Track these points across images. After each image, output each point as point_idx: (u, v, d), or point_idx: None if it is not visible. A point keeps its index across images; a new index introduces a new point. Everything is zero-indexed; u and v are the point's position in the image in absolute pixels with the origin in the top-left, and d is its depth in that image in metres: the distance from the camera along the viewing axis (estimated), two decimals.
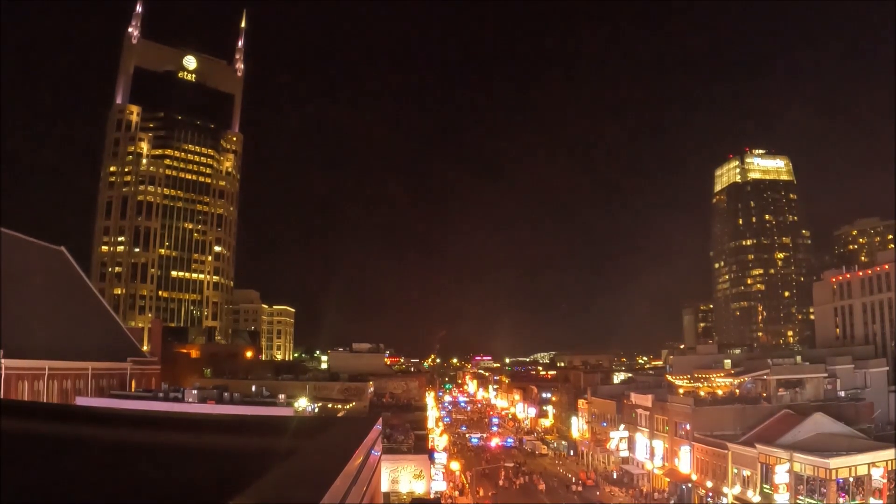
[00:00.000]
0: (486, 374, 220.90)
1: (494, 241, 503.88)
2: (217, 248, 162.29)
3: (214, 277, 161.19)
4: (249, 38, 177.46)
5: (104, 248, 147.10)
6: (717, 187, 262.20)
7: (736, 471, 56.60)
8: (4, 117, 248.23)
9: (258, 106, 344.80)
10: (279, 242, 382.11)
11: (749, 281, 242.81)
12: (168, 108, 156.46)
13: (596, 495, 71.66)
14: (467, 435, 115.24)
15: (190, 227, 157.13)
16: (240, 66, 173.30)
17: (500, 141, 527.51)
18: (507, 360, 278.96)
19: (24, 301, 52.18)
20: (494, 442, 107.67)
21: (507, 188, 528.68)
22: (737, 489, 56.18)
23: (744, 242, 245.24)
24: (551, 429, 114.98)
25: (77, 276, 71.02)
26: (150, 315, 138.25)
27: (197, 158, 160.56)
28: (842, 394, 67.79)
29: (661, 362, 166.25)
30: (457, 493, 69.81)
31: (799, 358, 75.24)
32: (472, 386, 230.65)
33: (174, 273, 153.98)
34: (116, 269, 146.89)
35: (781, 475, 50.72)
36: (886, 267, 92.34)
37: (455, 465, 77.12)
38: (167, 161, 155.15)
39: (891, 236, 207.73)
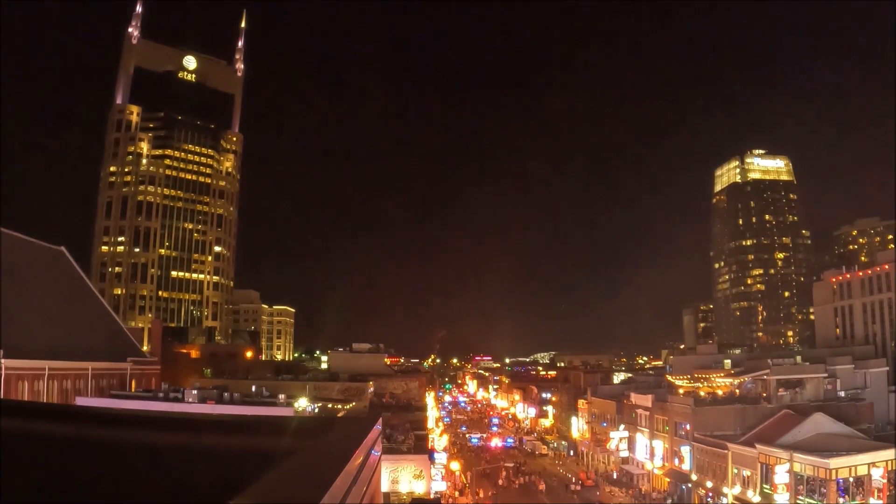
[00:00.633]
0: (486, 374, 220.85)
1: (494, 242, 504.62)
2: (217, 248, 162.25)
3: (214, 277, 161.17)
4: (249, 38, 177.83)
5: (104, 248, 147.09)
6: (717, 187, 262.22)
7: (736, 471, 56.59)
8: (5, 117, 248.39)
9: (258, 106, 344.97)
10: (279, 242, 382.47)
11: (749, 281, 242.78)
12: (168, 108, 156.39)
13: (596, 495, 71.65)
14: (467, 435, 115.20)
15: (190, 227, 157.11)
16: (240, 66, 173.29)
17: (501, 141, 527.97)
18: (507, 361, 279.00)
19: (24, 301, 52.16)
20: (494, 442, 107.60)
21: (507, 188, 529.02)
22: (737, 489, 56.17)
23: (744, 242, 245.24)
24: (551, 429, 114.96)
25: (77, 276, 70.97)
26: (150, 315, 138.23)
27: (197, 158, 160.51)
28: (842, 394, 67.76)
29: (661, 362, 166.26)
30: (457, 493, 69.79)
31: (799, 358, 75.20)
32: (472, 386, 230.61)
33: (174, 273, 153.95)
34: (116, 269, 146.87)
35: (781, 475, 50.71)
36: (886, 267, 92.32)
37: (455, 466, 77.10)
38: (167, 161, 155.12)
39: (891, 236, 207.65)
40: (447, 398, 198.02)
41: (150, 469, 7.04)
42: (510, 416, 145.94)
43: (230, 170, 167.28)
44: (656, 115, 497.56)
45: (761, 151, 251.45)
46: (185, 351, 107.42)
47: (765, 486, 52.68)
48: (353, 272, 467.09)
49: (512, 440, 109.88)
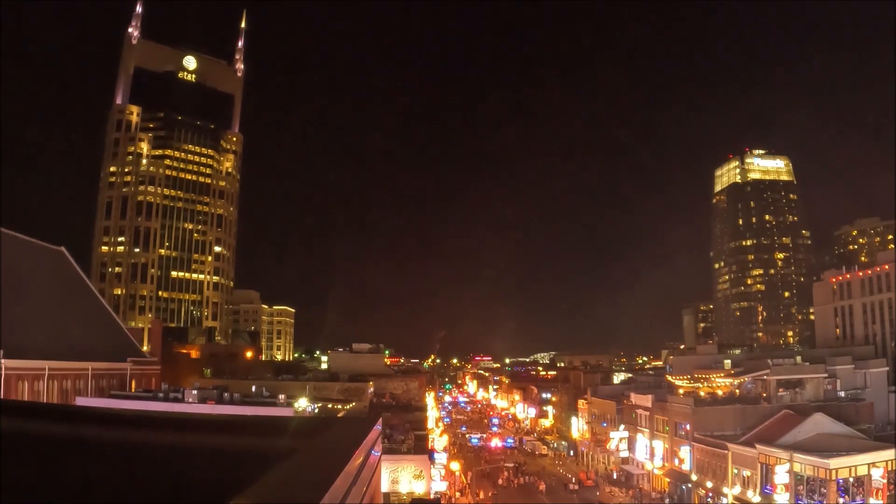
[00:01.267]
0: (486, 374, 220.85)
1: (494, 241, 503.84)
2: (217, 249, 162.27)
3: (214, 277, 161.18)
4: (249, 38, 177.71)
5: (104, 248, 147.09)
6: (717, 187, 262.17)
7: (736, 471, 56.60)
8: (4, 117, 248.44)
9: (258, 106, 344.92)
10: (279, 242, 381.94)
11: (749, 281, 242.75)
12: (168, 108, 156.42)
13: (596, 495, 71.66)
14: (467, 435, 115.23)
15: (190, 227, 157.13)
16: (240, 66, 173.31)
17: (500, 141, 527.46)
18: (507, 361, 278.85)
19: (24, 301, 52.17)
20: (494, 442, 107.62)
21: (507, 188, 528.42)
22: (737, 489, 56.18)
23: (744, 243, 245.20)
24: (551, 429, 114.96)
25: (77, 276, 70.98)
26: (150, 315, 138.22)
27: (197, 159, 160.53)
28: (842, 394, 67.78)
29: (661, 362, 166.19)
30: (457, 493, 69.79)
31: (799, 358, 75.20)
32: (472, 386, 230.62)
33: (174, 273, 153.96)
34: (116, 269, 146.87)
35: (781, 475, 50.71)
36: (886, 267, 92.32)
37: (455, 466, 77.12)
38: (167, 161, 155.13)
39: (891, 236, 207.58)
40: (447, 398, 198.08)
41: (150, 469, 7.04)
42: (510, 417, 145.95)
43: (230, 170, 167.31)
44: (656, 114, 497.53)
45: (761, 151, 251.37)
46: (185, 351, 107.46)
47: (765, 486, 52.68)
48: (354, 272, 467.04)
49: (512, 440, 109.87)
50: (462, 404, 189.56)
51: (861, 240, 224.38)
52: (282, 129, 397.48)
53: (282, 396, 58.99)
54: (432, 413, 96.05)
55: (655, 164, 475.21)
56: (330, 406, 66.29)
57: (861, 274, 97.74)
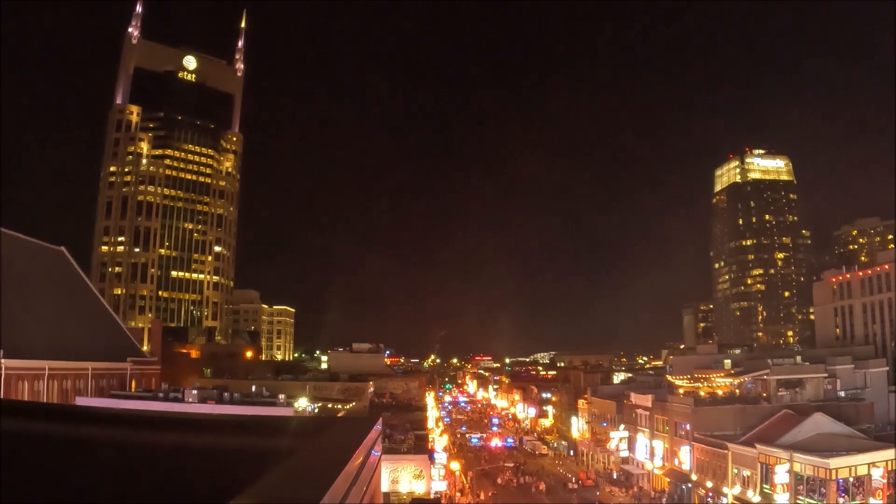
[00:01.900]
0: (486, 374, 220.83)
1: (494, 241, 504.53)
2: (217, 248, 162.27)
3: (214, 277, 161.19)
4: (249, 38, 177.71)
5: (104, 248, 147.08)
6: (717, 187, 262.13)
7: (736, 471, 56.60)
8: (4, 117, 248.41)
9: (258, 106, 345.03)
10: (279, 242, 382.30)
11: (749, 281, 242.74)
12: (168, 108, 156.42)
13: (595, 495, 71.69)
14: (467, 435, 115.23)
15: (190, 227, 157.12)
16: (240, 66, 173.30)
17: (501, 141, 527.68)
18: (507, 361, 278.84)
19: (24, 301, 52.17)
20: (494, 442, 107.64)
21: (507, 188, 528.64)
22: (737, 489, 56.18)
23: (744, 242, 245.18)
24: (551, 429, 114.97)
25: (77, 276, 70.97)
26: (150, 315, 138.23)
27: (197, 158, 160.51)
28: (842, 394, 67.76)
29: (661, 362, 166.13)
30: (457, 493, 69.80)
31: (799, 358, 75.20)
32: (472, 386, 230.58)
33: (174, 273, 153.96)
34: (116, 269, 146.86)
35: (781, 475, 50.71)
36: (886, 267, 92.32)
37: (455, 466, 77.14)
38: (167, 161, 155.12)
39: (891, 236, 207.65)
40: (447, 398, 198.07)
41: (150, 469, 7.04)
42: (510, 416, 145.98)
43: (230, 170, 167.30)
44: (656, 114, 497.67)
45: (761, 151, 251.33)
46: (185, 351, 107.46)
47: (765, 486, 52.69)
48: (354, 272, 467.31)
49: (512, 440, 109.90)
50: (462, 404, 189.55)
51: (861, 240, 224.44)
52: (282, 129, 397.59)
53: (282, 396, 58.99)
54: (432, 413, 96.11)
55: (655, 163, 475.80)
56: (330, 406, 66.31)
57: (861, 274, 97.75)
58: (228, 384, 62.99)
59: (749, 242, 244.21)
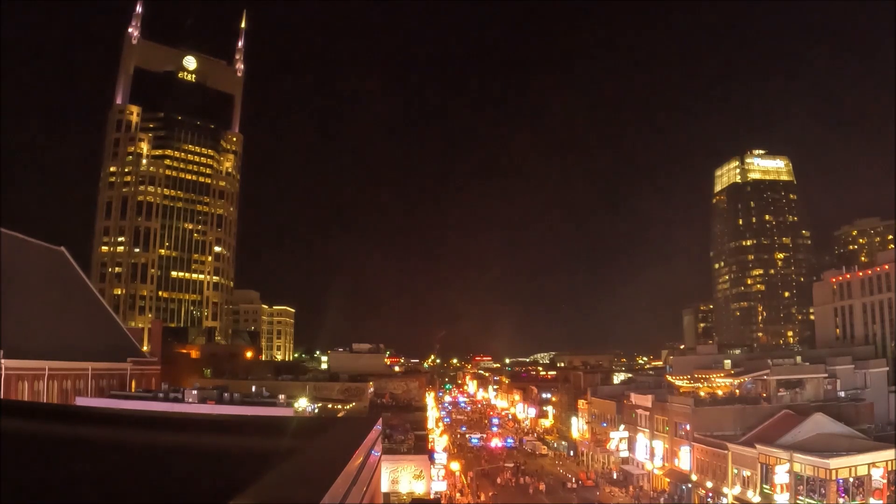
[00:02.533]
0: (486, 374, 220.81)
1: (494, 242, 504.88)
2: (217, 249, 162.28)
3: (214, 278, 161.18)
4: (249, 38, 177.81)
5: (104, 248, 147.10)
6: (717, 187, 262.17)
7: (736, 471, 56.57)
8: (5, 117, 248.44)
9: (258, 106, 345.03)
10: (279, 242, 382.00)
11: (749, 281, 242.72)
12: (168, 108, 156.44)
13: (595, 495, 71.66)
14: (467, 435, 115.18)
15: (190, 227, 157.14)
16: (240, 66, 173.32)
17: (501, 141, 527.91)
18: (507, 361, 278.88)
19: (24, 301, 52.15)
20: (494, 442, 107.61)
21: (507, 189, 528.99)
22: (737, 489, 56.16)
23: (744, 242, 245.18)
24: (551, 429, 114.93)
25: (77, 276, 70.94)
26: (150, 315, 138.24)
27: (197, 159, 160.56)
28: (842, 394, 67.71)
29: (661, 362, 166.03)
30: (457, 493, 69.78)
31: (799, 358, 75.15)
32: (472, 386, 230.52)
33: (174, 273, 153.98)
34: (116, 269, 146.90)
35: (781, 475, 50.68)
36: (886, 267, 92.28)
37: (455, 466, 77.11)
38: (167, 161, 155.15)
39: (891, 236, 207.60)
40: (447, 398, 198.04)
41: (150, 469, 7.04)
42: (510, 417, 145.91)
43: (230, 170, 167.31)
44: (656, 115, 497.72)
45: (761, 151, 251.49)
46: (185, 351, 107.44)
47: (765, 486, 52.67)
48: (354, 272, 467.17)
49: (512, 440, 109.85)
50: (462, 404, 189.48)
51: (861, 240, 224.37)
52: (282, 129, 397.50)
53: (282, 396, 58.96)
54: (432, 413, 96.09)
55: (656, 163, 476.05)
56: (330, 406, 66.31)
57: (861, 274, 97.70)
58: (228, 384, 62.94)
59: (749, 243, 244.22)
